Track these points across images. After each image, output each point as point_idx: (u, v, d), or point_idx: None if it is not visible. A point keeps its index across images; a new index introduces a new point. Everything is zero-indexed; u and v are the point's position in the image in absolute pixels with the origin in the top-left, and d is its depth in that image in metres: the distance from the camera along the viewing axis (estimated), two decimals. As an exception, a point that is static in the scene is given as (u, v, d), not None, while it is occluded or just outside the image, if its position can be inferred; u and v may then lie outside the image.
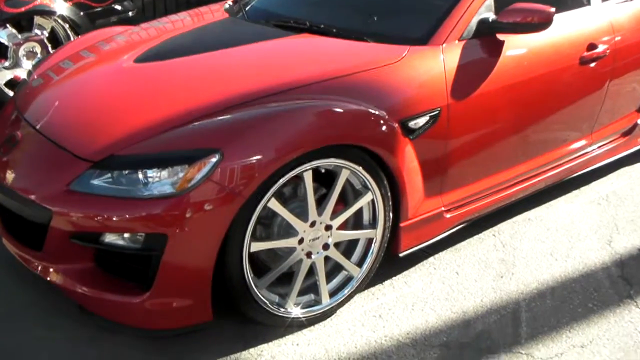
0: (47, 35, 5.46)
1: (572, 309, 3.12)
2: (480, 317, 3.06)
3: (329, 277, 3.06)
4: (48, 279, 2.89)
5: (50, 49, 5.42)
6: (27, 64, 5.34)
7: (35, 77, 3.63)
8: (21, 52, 5.36)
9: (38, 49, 5.43)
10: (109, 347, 2.86)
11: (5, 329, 2.99)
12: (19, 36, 5.33)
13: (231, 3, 4.14)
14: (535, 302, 3.16)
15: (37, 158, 2.99)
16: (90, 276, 2.82)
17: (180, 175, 2.63)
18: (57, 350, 2.86)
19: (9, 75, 5.34)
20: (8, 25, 5.25)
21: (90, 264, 2.83)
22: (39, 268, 2.91)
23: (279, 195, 2.81)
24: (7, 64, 5.35)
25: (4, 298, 3.18)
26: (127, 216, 2.65)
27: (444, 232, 3.34)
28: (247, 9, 3.93)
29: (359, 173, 2.92)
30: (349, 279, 3.10)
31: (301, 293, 2.99)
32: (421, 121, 3.05)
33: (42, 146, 2.98)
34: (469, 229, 3.52)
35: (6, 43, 5.29)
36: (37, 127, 3.07)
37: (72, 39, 5.44)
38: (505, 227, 3.69)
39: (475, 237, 3.61)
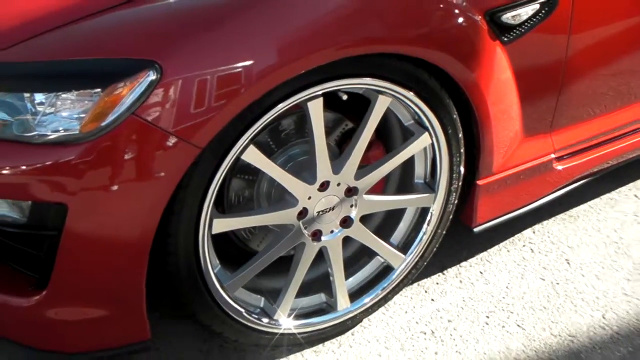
0: None
1: None
2: (599, 346, 2.50)
3: (352, 267, 2.61)
4: None
5: None
6: None
7: None
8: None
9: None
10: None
11: None
12: None
13: None
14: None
15: None
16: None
17: (89, 105, 2.06)
18: None
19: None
20: None
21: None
22: None
23: (270, 135, 2.38)
24: None
25: None
26: (1, 171, 2.11)
27: (552, 193, 2.85)
28: None
29: (409, 102, 2.36)
30: (385, 271, 2.62)
31: (305, 292, 2.53)
32: (526, 12, 2.45)
33: None
34: (592, 182, 2.99)
35: None
36: None
37: None
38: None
39: (604, 197, 3.12)
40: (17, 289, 2.27)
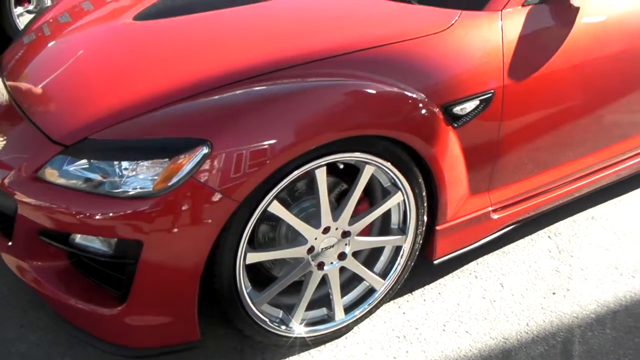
0: (74, -23, 4.83)
1: (638, 344, 2.44)
2: (524, 346, 2.44)
3: (346, 288, 2.51)
4: (17, 273, 2.40)
5: (77, -8, 4.79)
6: (53, 9, 4.75)
7: (29, 31, 3.04)
8: (46, -6, 4.79)
9: (64, -7, 4.81)
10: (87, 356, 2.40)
11: None
12: (44, -22, 4.76)
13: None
14: (592, 330, 2.51)
15: (12, 136, 2.46)
16: (62, 277, 2.31)
17: (159, 170, 2.06)
18: (29, 356, 2.40)
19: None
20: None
21: (64, 263, 2.32)
22: (8, 259, 2.42)
23: (287, 193, 2.28)
24: (30, 7, 4.80)
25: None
26: (96, 216, 2.10)
27: (489, 235, 2.71)
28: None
29: (386, 169, 2.32)
30: (370, 292, 2.53)
31: (311, 307, 2.44)
32: (469, 106, 2.38)
33: (17, 121, 2.45)
34: (520, 228, 2.87)
35: (31, -16, 4.73)
36: (16, 97, 2.54)
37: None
38: (563, 227, 3.02)
39: (527, 238, 2.95)
40: (104, 301, 2.23)
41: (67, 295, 2.28)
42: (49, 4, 4.79)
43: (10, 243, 2.37)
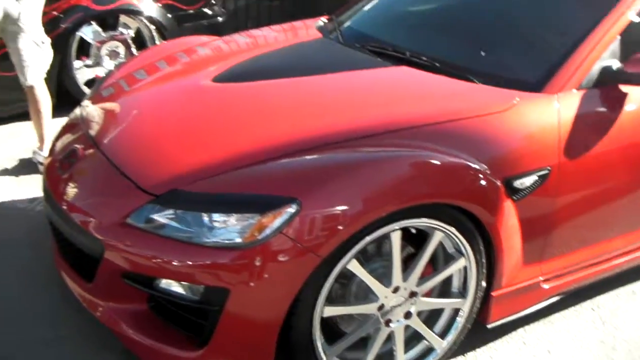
0: (132, 35, 5.14)
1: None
2: None
3: (407, 345, 2.59)
4: (95, 315, 2.54)
5: (134, 49, 5.07)
6: (109, 64, 5.01)
7: (107, 85, 3.24)
8: (104, 50, 5.04)
9: (121, 49, 5.10)
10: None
11: (44, 355, 2.69)
12: (103, 34, 5.01)
13: (325, 20, 3.65)
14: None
15: (96, 181, 2.66)
16: (141, 320, 2.45)
17: (251, 223, 2.21)
18: None
19: (89, 73, 5.01)
20: (93, 23, 4.91)
21: (142, 307, 2.45)
22: (87, 301, 2.57)
23: (361, 253, 2.36)
24: (89, 62, 5.02)
25: (51, 322, 2.86)
26: (186, 263, 2.25)
27: (539, 303, 2.83)
28: (341, 28, 3.44)
29: (453, 236, 2.47)
30: (429, 350, 2.64)
31: None
32: (528, 181, 2.54)
33: (102, 169, 2.63)
34: (564, 299, 2.97)
35: (90, 40, 4.97)
36: (100, 146, 2.72)
37: (157, 41, 5.10)
38: (605, 301, 3.14)
39: (572, 309, 3.06)
40: (182, 344, 2.34)
41: (146, 337, 2.40)
42: (106, 60, 5.01)
43: (90, 284, 2.51)
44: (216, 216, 2.25)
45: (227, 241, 2.22)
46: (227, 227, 2.23)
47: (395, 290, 2.43)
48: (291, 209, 2.19)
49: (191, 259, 2.24)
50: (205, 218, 2.26)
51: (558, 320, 3.01)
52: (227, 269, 2.21)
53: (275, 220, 2.19)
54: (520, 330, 2.93)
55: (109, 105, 3.11)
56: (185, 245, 2.26)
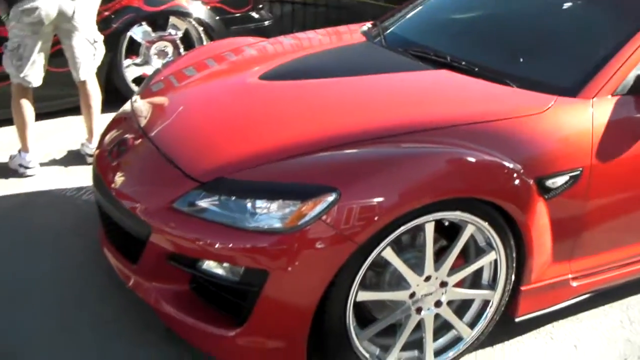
0: (180, 36, 5.32)
1: None
2: None
3: (436, 334, 2.68)
4: (139, 294, 2.67)
5: (182, 50, 5.26)
6: (157, 63, 5.20)
7: (157, 81, 3.40)
8: (153, 50, 5.23)
9: (170, 49, 5.28)
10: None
11: (91, 337, 2.82)
12: (153, 35, 5.20)
13: (370, 25, 3.79)
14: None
15: (145, 169, 2.80)
16: (182, 300, 2.58)
17: (292, 210, 2.33)
18: None
19: (138, 72, 5.21)
20: (143, 23, 5.10)
21: (184, 288, 2.58)
22: (132, 281, 2.70)
23: (395, 243, 2.46)
24: (138, 60, 5.23)
25: (97, 303, 3.01)
26: (228, 246, 2.37)
27: (568, 300, 2.90)
28: (385, 33, 3.58)
29: (484, 229, 2.56)
30: (457, 340, 2.72)
31: (404, 348, 2.63)
32: (560, 180, 2.62)
33: (151, 157, 2.77)
34: (594, 298, 3.04)
35: (139, 40, 5.17)
36: (150, 136, 2.86)
37: (204, 42, 5.28)
38: (635, 302, 3.19)
39: (601, 308, 3.13)
40: (221, 323, 2.46)
41: (187, 316, 2.53)
42: (154, 59, 5.20)
43: (135, 266, 2.65)
44: (259, 203, 2.37)
45: (268, 226, 2.33)
46: (269, 213, 2.35)
47: (427, 279, 2.53)
48: (330, 198, 2.29)
49: (233, 242, 2.36)
50: (249, 204, 2.38)
51: (586, 318, 3.07)
52: (267, 253, 2.32)
53: (315, 208, 2.30)
54: (548, 326, 3.00)
55: (158, 98, 3.26)
56: (228, 229, 2.38)
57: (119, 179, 2.81)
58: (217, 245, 2.39)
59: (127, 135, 2.98)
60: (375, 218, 2.30)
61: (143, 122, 3.03)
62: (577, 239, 2.78)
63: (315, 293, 2.34)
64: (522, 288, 2.72)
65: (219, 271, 2.46)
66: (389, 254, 2.42)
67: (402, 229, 2.38)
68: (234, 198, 2.42)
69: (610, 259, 2.94)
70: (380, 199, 2.32)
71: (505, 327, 2.86)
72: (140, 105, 3.21)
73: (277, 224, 2.33)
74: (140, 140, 2.92)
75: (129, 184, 2.77)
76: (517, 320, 2.79)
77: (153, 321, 2.73)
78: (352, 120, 2.68)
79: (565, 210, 2.68)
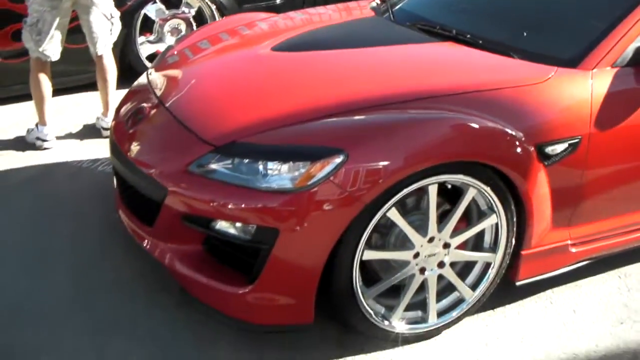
0: (193, 14, 5.40)
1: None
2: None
3: (440, 296, 2.79)
4: (154, 255, 2.77)
5: (194, 27, 5.34)
6: (171, 40, 5.30)
7: (172, 53, 3.51)
8: (166, 27, 5.33)
9: (183, 27, 5.38)
10: (205, 333, 2.76)
11: (108, 299, 2.94)
12: (166, 12, 5.30)
13: (378, 2, 3.90)
14: (656, 357, 2.76)
15: (161, 135, 2.90)
16: (196, 260, 2.68)
17: (301, 171, 2.43)
18: (154, 329, 2.78)
19: (151, 49, 5.32)
20: (157, 1, 5.20)
21: (198, 248, 2.68)
22: (148, 244, 2.81)
23: (400, 205, 2.57)
24: (151, 38, 5.33)
25: (113, 267, 3.14)
26: (241, 205, 2.47)
27: (567, 266, 2.98)
28: (394, 9, 3.67)
29: (486, 193, 2.65)
30: (460, 301, 2.83)
31: (408, 308, 2.74)
32: (559, 148, 2.71)
33: (167, 124, 2.88)
34: (593, 266, 3.13)
35: (153, 18, 5.26)
36: (166, 104, 2.97)
37: (217, 20, 5.34)
38: (633, 270, 3.28)
39: (599, 276, 3.22)
40: (233, 281, 2.56)
41: (201, 275, 2.64)
42: (167, 37, 5.30)
43: (150, 228, 2.76)
44: (270, 164, 2.47)
45: (279, 186, 2.44)
46: (280, 175, 2.45)
47: (431, 240, 2.63)
48: (338, 159, 2.40)
49: (246, 202, 2.46)
50: (260, 166, 2.49)
51: (585, 284, 3.17)
52: (277, 212, 2.42)
53: (324, 169, 2.40)
54: (548, 292, 3.10)
55: (174, 70, 3.37)
56: (241, 190, 2.48)
57: (135, 146, 2.92)
58: (230, 206, 2.49)
59: (143, 105, 3.09)
60: (381, 179, 2.40)
61: (159, 92, 3.14)
62: (576, 206, 2.86)
63: (323, 251, 2.44)
64: (523, 252, 2.81)
65: (232, 230, 2.56)
66: (394, 215, 2.52)
67: (408, 189, 2.47)
68: (246, 161, 2.52)
69: (609, 227, 3.02)
70: (387, 160, 2.41)
71: (506, 292, 2.97)
72: (156, 77, 3.32)
73: (288, 184, 2.43)
74: (156, 109, 3.03)
75: (145, 150, 2.89)
76: (518, 284, 2.87)
77: (167, 283, 2.84)
78: (359, 88, 2.78)
79: (565, 177, 2.76)
